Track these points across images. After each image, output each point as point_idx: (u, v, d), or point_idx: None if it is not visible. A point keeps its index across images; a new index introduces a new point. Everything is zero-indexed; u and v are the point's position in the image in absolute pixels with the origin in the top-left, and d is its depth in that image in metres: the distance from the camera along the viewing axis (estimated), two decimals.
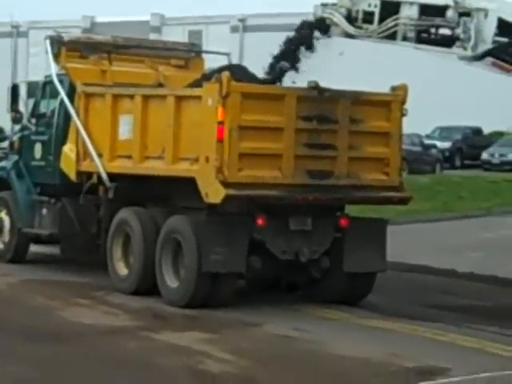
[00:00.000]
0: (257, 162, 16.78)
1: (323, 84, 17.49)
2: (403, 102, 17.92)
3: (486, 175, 45.35)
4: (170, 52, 22.17)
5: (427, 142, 51.93)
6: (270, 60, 18.98)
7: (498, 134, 52.82)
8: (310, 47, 18.11)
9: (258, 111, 16.75)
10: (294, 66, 18.39)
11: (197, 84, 18.05)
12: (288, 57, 18.41)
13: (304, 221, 17.29)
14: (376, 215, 28.94)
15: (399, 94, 17.92)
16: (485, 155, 51.31)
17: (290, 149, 16.83)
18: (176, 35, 63.42)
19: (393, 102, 17.96)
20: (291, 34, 18.75)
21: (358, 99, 17.71)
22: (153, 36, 64.08)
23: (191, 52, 22.66)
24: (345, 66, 17.09)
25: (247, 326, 15.50)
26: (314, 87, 17.19)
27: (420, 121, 49.94)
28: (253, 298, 17.83)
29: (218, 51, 23.38)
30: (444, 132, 53.42)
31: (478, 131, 53.10)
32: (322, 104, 17.16)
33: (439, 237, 27.53)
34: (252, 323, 15.61)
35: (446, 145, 52.98)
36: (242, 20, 66.67)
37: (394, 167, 18.06)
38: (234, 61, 19.07)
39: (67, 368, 12.19)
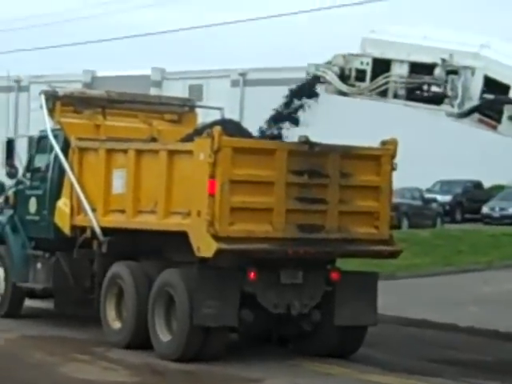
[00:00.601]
0: (248, 215, 16.88)
1: (320, 138, 17.68)
2: (393, 156, 18.14)
3: (486, 229, 45.18)
4: (163, 107, 22.32)
5: (428, 195, 52.13)
6: (270, 114, 19.10)
7: (499, 188, 52.95)
8: (312, 96, 18.28)
9: (250, 165, 16.92)
10: (294, 120, 18.55)
11: (189, 139, 18.13)
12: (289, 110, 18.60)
13: (295, 274, 17.35)
14: (376, 269, 29.29)
15: (389, 149, 18.14)
16: (485, 209, 51.41)
17: (280, 203, 16.95)
18: (176, 89, 63.64)
19: (383, 156, 18.13)
20: (292, 87, 18.91)
21: (347, 153, 17.87)
22: (153, 90, 64.08)
23: (185, 107, 22.76)
24: (342, 121, 17.26)
25: (247, 382, 15.50)
26: (305, 142, 17.34)
27: (420, 175, 50.31)
28: (248, 353, 17.76)
29: (211, 106, 23.57)
30: (444, 186, 53.57)
31: (478, 185, 53.21)
32: (312, 158, 17.33)
33: (439, 291, 27.47)
34: (252, 379, 15.57)
35: (447, 198, 53.16)
36: (242, 74, 66.81)
37: (383, 221, 18.18)
38: (235, 115, 19.20)
39: None
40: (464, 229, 45.30)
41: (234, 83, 65.97)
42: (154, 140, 19.64)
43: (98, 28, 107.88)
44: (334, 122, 17.20)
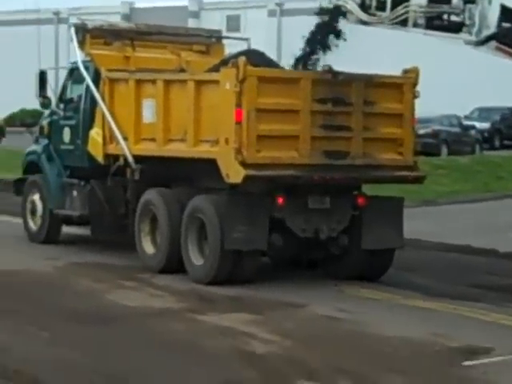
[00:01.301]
0: (274, 143, 17.21)
1: (345, 67, 18.10)
2: (415, 85, 18.34)
3: None
4: (191, 38, 22.54)
5: (466, 123, 51.61)
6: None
7: None
8: (338, 35, 18.45)
9: (275, 94, 17.18)
10: (325, 48, 18.70)
11: (216, 69, 18.34)
12: (316, 42, 18.75)
13: (322, 199, 17.69)
14: (418, 196, 29.63)
15: (411, 77, 18.38)
16: None
17: (306, 130, 17.26)
18: (214, 20, 63.35)
19: (405, 85, 18.38)
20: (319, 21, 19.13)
21: (370, 82, 18.17)
22: (191, 21, 64.06)
23: (212, 38, 22.92)
24: (367, 51, 17.29)
25: (291, 306, 15.56)
26: (328, 71, 17.73)
27: (459, 102, 50.10)
28: (293, 279, 17.91)
29: (237, 37, 23.85)
30: (483, 113, 53.05)
31: None
32: (336, 87, 17.60)
33: (480, 217, 27.72)
34: (295, 304, 15.68)
35: (485, 125, 52.69)
36: (279, 4, 65.61)
37: (407, 147, 18.49)
38: (272, 45, 19.37)
39: (115, 350, 12.44)
40: (503, 155, 45.36)
41: (271, 13, 65.45)
42: (182, 70, 19.84)
43: None
44: (360, 57, 17.23)
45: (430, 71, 22.15)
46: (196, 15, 68.32)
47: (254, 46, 20.05)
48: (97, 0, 65.37)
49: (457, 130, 50.09)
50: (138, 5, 70.53)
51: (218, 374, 11.35)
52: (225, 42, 22.87)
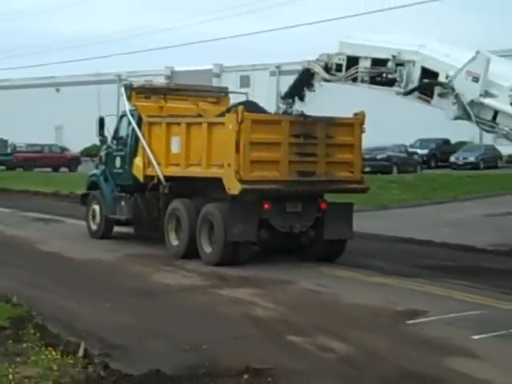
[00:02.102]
0: (262, 166, 17.58)
1: (313, 112, 18.27)
2: (362, 123, 18.58)
3: (453, 173, 44.88)
4: (206, 93, 22.73)
5: (411, 150, 51.50)
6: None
7: (462, 143, 52.12)
8: (310, 87, 18.30)
9: (263, 132, 17.52)
10: (301, 99, 18.57)
11: (222, 114, 18.67)
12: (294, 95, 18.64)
13: (296, 205, 17.92)
14: (375, 203, 29.79)
15: (359, 118, 18.64)
16: (452, 158, 50.80)
17: (285, 157, 17.60)
18: (231, 79, 63.11)
19: (355, 123, 18.67)
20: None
21: (330, 122, 18.44)
22: (215, 80, 63.86)
23: (221, 92, 23.22)
24: (329, 100, 17.30)
25: (284, 283, 15.56)
26: (301, 115, 18.13)
27: (405, 135, 50.13)
28: (280, 262, 17.93)
29: (239, 91, 23.73)
30: (422, 142, 52.62)
31: (447, 141, 52.17)
32: (306, 126, 17.95)
33: (420, 217, 27.54)
34: (286, 281, 15.72)
35: (424, 152, 52.51)
36: (278, 67, 65.74)
37: (356, 168, 18.78)
38: (273, 97, 19.27)
39: (159, 316, 12.65)
40: (437, 173, 45.09)
41: (272, 73, 65.39)
42: (199, 116, 19.89)
43: (176, 36, 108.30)
44: (324, 104, 17.15)
45: (380, 113, 22.21)
46: (218, 76, 68.11)
47: (258, 98, 19.83)
48: (147, 65, 65.29)
49: (404, 155, 49.80)
50: (177, 68, 70.28)
51: (231, 331, 11.51)
52: (230, 94, 22.92)
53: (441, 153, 53.00)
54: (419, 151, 52.43)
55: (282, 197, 17.76)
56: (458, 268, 17.61)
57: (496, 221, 25.75)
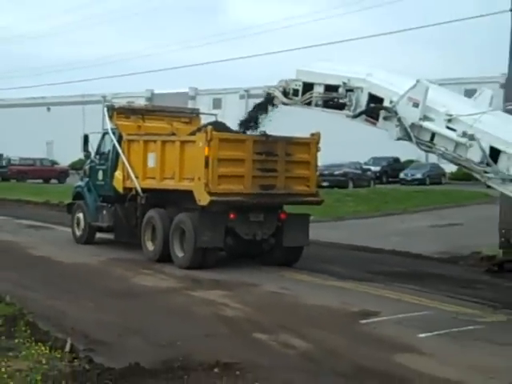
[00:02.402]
0: (229, 180, 17.48)
1: (274, 132, 18.13)
2: (318, 143, 18.64)
3: (402, 188, 44.84)
4: (180, 113, 22.55)
5: (365, 166, 51.70)
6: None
7: (410, 162, 52.24)
8: (270, 110, 18.22)
9: (229, 149, 17.48)
10: (257, 122, 18.50)
11: (193, 133, 18.63)
12: (252, 118, 18.60)
13: (258, 215, 17.84)
14: (333, 214, 29.60)
15: (315, 138, 18.68)
16: (402, 175, 50.94)
17: (249, 172, 17.57)
18: (205, 102, 63.54)
19: (311, 143, 18.71)
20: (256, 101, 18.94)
21: (289, 141, 18.43)
22: (190, 102, 63.71)
23: (193, 113, 23.02)
24: (293, 121, 17.27)
25: (250, 285, 15.51)
26: (263, 134, 18.05)
27: (360, 154, 50.36)
28: (246, 267, 17.80)
29: (209, 112, 23.52)
30: (375, 160, 52.61)
31: (397, 160, 52.24)
32: (268, 144, 17.92)
33: (373, 228, 27.34)
34: (252, 284, 15.67)
35: (377, 168, 52.63)
36: (246, 90, 65.10)
37: (312, 182, 18.80)
38: (234, 119, 19.15)
39: (138, 314, 12.55)
40: (388, 187, 45.09)
41: (241, 97, 65.38)
42: (173, 134, 19.75)
43: (156, 62, 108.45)
44: (284, 125, 17.11)
45: (338, 133, 22.21)
46: (193, 98, 67.96)
47: (229, 119, 19.72)
48: (130, 87, 65.26)
49: (359, 171, 49.95)
50: (156, 91, 70.16)
51: (203, 329, 11.46)
52: (201, 115, 22.66)
53: (391, 170, 53.13)
54: (372, 168, 52.64)
55: (246, 207, 17.69)
56: (407, 273, 17.62)
57: (440, 231, 25.78)
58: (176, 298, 14.23)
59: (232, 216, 17.52)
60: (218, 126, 18.55)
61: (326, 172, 46.86)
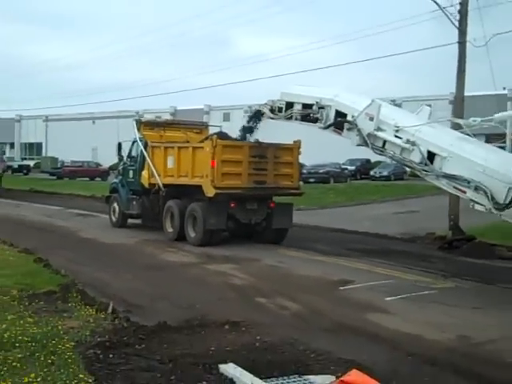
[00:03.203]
0: (230, 177, 17.58)
1: (267, 140, 18.25)
2: (299, 147, 18.77)
3: (372, 183, 44.22)
4: (192, 125, 22.49)
5: (343, 166, 51.06)
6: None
7: (378, 162, 51.03)
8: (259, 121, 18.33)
9: (231, 153, 17.60)
10: (252, 131, 18.61)
11: (203, 141, 18.74)
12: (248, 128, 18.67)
13: (253, 204, 18.07)
14: (318, 204, 29.47)
15: (297, 144, 18.81)
16: (372, 172, 49.98)
17: (245, 171, 17.71)
18: (217, 116, 62.83)
19: (294, 148, 18.82)
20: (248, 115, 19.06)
21: (277, 147, 18.52)
22: (205, 117, 63.15)
23: (202, 125, 23.13)
24: (277, 131, 17.31)
25: (253, 260, 15.40)
26: (257, 142, 18.21)
27: (339, 156, 49.58)
28: (251, 247, 17.55)
29: (215, 125, 23.48)
30: (351, 161, 51.24)
31: (368, 160, 50.85)
32: (260, 149, 18.02)
33: (349, 214, 27.09)
34: (255, 259, 15.58)
35: (352, 168, 51.70)
36: (250, 107, 63.92)
37: (295, 178, 18.91)
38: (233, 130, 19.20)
39: (165, 284, 12.49)
40: (361, 183, 44.67)
41: (245, 111, 64.99)
42: (187, 142, 19.71)
43: (179, 84, 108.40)
44: (272, 134, 17.11)
45: (322, 140, 22.10)
46: (207, 113, 67.05)
47: (236, 129, 19.34)
48: (157, 105, 64.76)
49: (338, 170, 49.29)
50: (178, 108, 69.57)
51: (215, 294, 11.52)
52: (210, 127, 22.57)
53: (364, 168, 52.08)
54: (349, 167, 51.81)
55: (243, 198, 17.87)
56: (377, 250, 17.50)
57: (402, 217, 25.60)
58: (194, 270, 14.27)
59: (232, 205, 17.70)
60: (222, 136, 18.65)
61: (312, 171, 46.72)
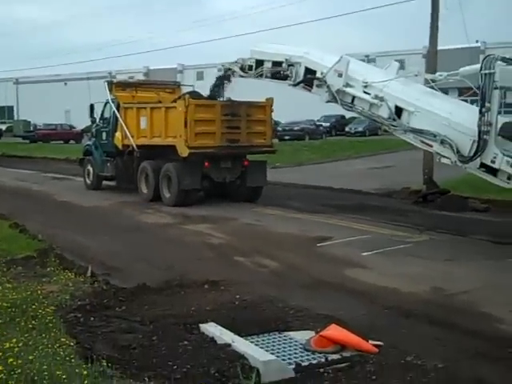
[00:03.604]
0: (203, 136, 17.56)
1: (236, 97, 18.26)
2: (271, 105, 18.79)
3: (347, 139, 44.13)
4: (165, 85, 22.32)
5: (318, 123, 51.27)
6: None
7: (353, 118, 50.99)
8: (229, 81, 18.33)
9: (203, 112, 17.58)
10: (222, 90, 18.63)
11: (175, 100, 18.70)
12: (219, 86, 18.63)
13: (227, 163, 18.08)
14: (293, 161, 29.41)
15: (269, 102, 18.81)
16: (347, 128, 50.01)
17: (218, 130, 17.70)
18: (190, 75, 62.41)
19: (266, 106, 18.85)
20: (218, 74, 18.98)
21: (250, 105, 18.59)
22: (178, 76, 62.55)
23: (175, 85, 22.88)
24: (247, 89, 17.11)
25: (230, 220, 15.41)
26: (229, 100, 18.21)
27: (313, 113, 49.51)
28: (227, 206, 17.57)
29: (187, 84, 23.37)
30: (326, 118, 51.26)
31: (343, 117, 50.68)
32: (233, 107, 18.03)
33: (324, 171, 27.05)
34: (232, 218, 15.60)
35: (327, 124, 51.78)
36: (223, 65, 63.69)
37: (268, 136, 19.01)
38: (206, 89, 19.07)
39: (143, 245, 12.48)
40: (337, 139, 44.65)
41: (219, 70, 64.34)
42: (159, 102, 19.58)
43: (151, 44, 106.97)
44: (244, 92, 17.02)
45: (297, 97, 21.97)
46: (181, 72, 66.33)
47: (207, 89, 19.23)
48: (129, 64, 63.89)
49: (313, 127, 49.37)
50: (151, 67, 68.71)
51: (194, 254, 11.55)
52: (182, 86, 22.56)
53: (339, 125, 52.02)
54: (324, 124, 51.87)
55: (217, 157, 17.89)
56: (352, 206, 17.52)
57: (377, 172, 25.71)
58: (172, 230, 14.27)
59: (206, 164, 17.71)
60: (195, 95, 18.58)
61: (287, 128, 46.73)
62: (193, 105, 17.32)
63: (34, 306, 7.49)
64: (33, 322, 6.95)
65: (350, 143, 39.35)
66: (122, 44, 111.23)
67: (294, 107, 41.18)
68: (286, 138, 43.53)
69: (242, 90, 18.08)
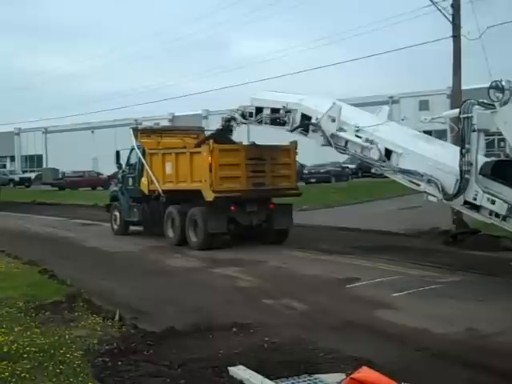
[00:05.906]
0: (228, 180, 17.73)
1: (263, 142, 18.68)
2: (296, 148, 18.91)
3: (373, 180, 42.84)
4: (189, 131, 22.64)
5: (343, 165, 51.14)
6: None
7: None
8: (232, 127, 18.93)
9: (228, 156, 17.78)
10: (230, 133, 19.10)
11: (198, 145, 19.01)
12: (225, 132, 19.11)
13: (253, 206, 18.12)
14: (322, 203, 29.51)
15: (293, 145, 18.95)
16: (373, 170, 47.42)
17: (243, 174, 17.89)
18: (215, 120, 63.08)
19: (291, 149, 19.00)
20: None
21: (274, 148, 18.77)
22: (203, 121, 63.18)
23: (200, 131, 23.18)
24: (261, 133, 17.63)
25: (258, 262, 15.50)
26: (253, 144, 18.63)
27: (339, 155, 49.64)
28: (254, 249, 17.60)
29: (212, 130, 23.29)
30: (352, 159, 50.27)
31: None
32: (257, 151, 18.30)
33: (352, 212, 27.08)
34: (260, 261, 15.68)
35: (353, 166, 50.86)
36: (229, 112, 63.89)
37: (293, 179, 19.16)
38: (241, 131, 19.54)
39: (171, 289, 12.52)
40: (363, 181, 44.29)
41: (222, 119, 64.66)
42: (184, 147, 19.73)
43: (176, 90, 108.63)
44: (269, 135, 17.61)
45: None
46: (206, 117, 66.83)
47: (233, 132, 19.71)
48: (155, 111, 64.67)
49: (339, 169, 49.33)
50: (176, 114, 69.47)
51: (222, 297, 11.59)
52: (205, 132, 22.74)
53: (365, 166, 51.98)
54: (349, 166, 51.60)
55: (243, 201, 17.95)
56: (380, 247, 17.52)
57: (404, 213, 25.47)
58: (199, 274, 14.34)
59: (233, 208, 17.78)
60: (219, 138, 18.68)
61: (313, 171, 46.63)
62: (217, 149, 17.49)
63: (61, 351, 7.51)
64: (61, 366, 6.96)
65: (377, 184, 39.00)
66: (147, 92, 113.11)
67: (318, 150, 41.38)
68: (312, 180, 43.45)
69: (266, 134, 18.39)
